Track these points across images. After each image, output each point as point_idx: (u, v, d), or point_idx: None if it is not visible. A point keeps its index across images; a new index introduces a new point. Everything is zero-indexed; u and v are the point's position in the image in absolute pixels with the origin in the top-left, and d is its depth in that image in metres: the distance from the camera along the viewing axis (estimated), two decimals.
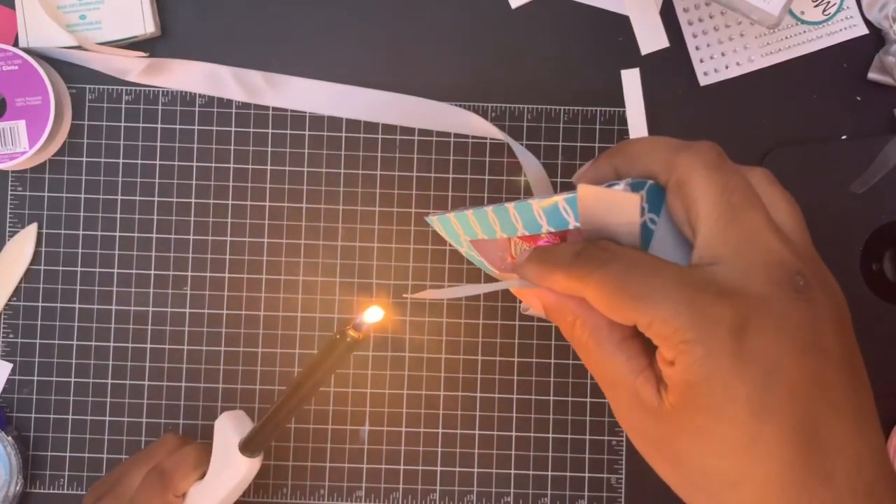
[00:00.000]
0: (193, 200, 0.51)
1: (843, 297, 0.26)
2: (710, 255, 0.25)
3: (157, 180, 0.51)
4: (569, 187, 0.51)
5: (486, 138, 0.51)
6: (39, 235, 0.51)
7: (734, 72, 0.51)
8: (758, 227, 0.25)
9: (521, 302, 0.35)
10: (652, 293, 0.24)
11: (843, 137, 0.51)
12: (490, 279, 0.42)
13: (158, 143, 0.51)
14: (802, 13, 0.51)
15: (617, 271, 0.25)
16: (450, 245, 0.51)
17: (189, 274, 0.51)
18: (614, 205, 0.26)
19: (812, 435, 0.24)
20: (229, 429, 0.43)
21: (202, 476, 0.43)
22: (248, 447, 0.42)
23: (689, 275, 0.25)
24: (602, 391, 0.27)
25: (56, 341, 0.51)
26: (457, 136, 0.51)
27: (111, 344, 0.51)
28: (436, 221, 0.39)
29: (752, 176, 0.27)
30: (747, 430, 0.24)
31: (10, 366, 0.51)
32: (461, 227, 0.37)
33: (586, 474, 0.51)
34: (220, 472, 0.42)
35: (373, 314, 0.37)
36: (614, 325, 0.26)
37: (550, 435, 0.51)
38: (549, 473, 0.51)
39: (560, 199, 0.28)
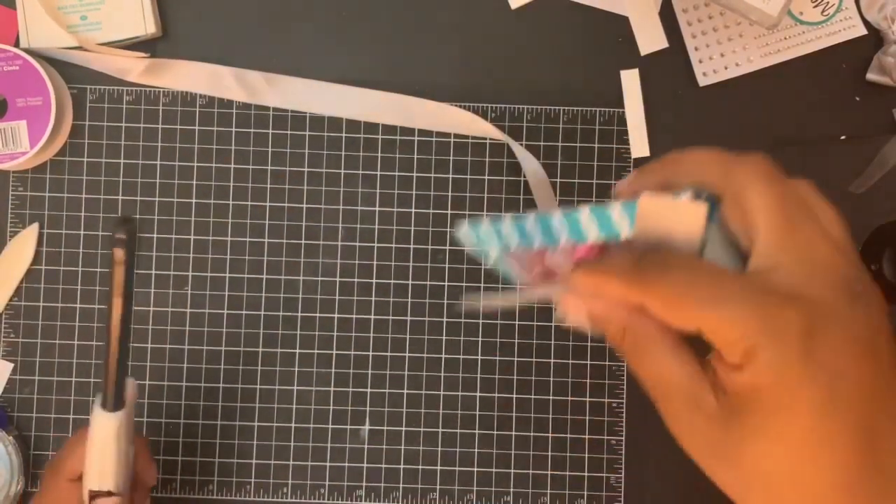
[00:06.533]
0: (194, 201, 0.51)
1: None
2: (770, 263, 0.26)
3: (157, 180, 0.51)
4: (569, 187, 0.51)
5: (486, 138, 0.51)
6: (40, 235, 0.51)
7: (733, 72, 0.51)
8: (815, 235, 0.26)
9: (554, 311, 0.35)
10: (718, 298, 0.25)
11: (843, 137, 0.51)
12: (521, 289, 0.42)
13: (159, 144, 0.51)
14: (801, 14, 0.51)
15: (682, 277, 0.26)
16: (449, 245, 0.51)
17: (190, 274, 0.51)
18: (678, 215, 0.27)
19: (872, 440, 0.24)
20: (98, 398, 0.42)
21: None
22: (104, 403, 0.41)
23: (754, 280, 0.26)
24: (655, 400, 0.28)
25: (57, 341, 0.51)
26: (457, 136, 0.51)
27: None
28: (466, 232, 0.39)
29: (798, 187, 0.28)
30: (813, 432, 0.24)
31: (11, 365, 0.51)
32: (495, 237, 0.37)
33: (586, 474, 0.51)
34: (91, 436, 0.42)
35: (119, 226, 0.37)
36: (666, 333, 0.27)
37: (550, 434, 0.51)
38: (549, 473, 0.51)
39: (617, 206, 0.29)
